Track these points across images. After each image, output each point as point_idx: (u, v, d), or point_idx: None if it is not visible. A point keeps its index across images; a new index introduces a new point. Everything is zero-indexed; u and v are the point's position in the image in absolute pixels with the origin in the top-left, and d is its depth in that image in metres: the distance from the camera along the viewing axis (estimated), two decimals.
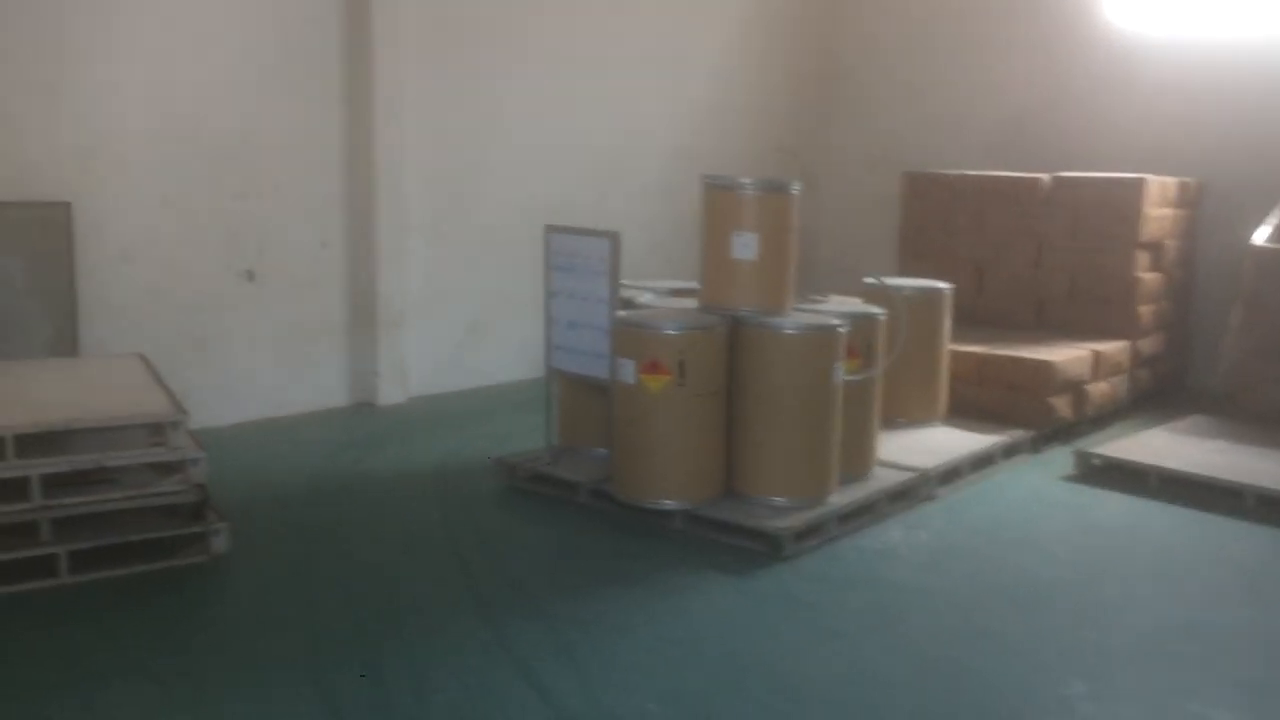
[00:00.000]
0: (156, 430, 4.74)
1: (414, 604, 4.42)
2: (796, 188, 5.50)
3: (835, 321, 5.38)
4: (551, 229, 5.89)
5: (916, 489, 5.85)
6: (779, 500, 5.27)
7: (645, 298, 6.04)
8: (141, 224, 6.43)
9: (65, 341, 6.00)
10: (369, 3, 7.09)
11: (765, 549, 5.01)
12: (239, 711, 3.57)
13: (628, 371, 5.29)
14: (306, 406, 7.22)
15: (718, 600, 4.56)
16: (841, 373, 5.37)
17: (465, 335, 8.08)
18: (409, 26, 7.33)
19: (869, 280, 6.45)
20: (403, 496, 5.74)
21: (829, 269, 9.42)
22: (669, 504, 5.28)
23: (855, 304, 6.13)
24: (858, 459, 5.70)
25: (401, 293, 7.51)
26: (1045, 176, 8.16)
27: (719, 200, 5.50)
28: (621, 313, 5.50)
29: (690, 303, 5.85)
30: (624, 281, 5.75)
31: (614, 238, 5.57)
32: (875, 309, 5.91)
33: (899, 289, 6.42)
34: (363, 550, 5.00)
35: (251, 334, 6.95)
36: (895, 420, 6.52)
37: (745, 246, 5.40)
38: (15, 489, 4.36)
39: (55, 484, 4.45)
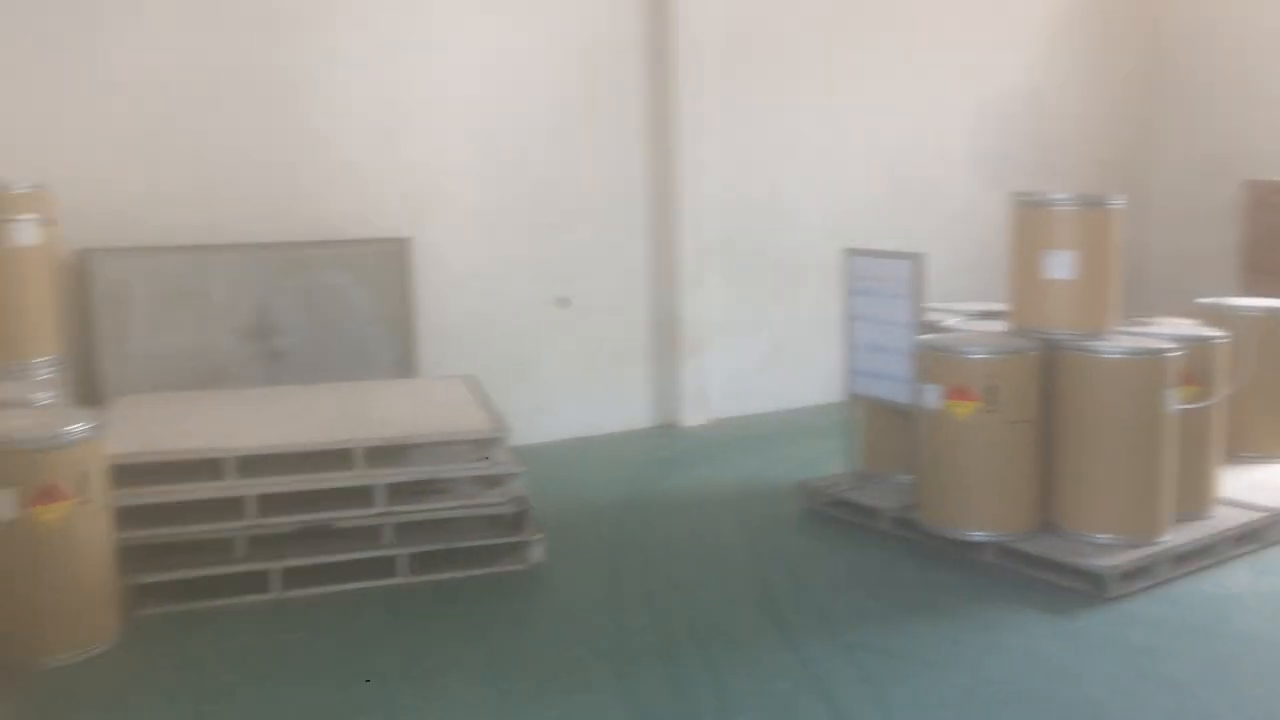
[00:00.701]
0: (481, 446, 5.09)
1: (717, 623, 4.47)
2: (1118, 201, 5.15)
3: (1164, 345, 4.97)
4: (851, 251, 5.84)
5: (1265, 531, 5.26)
6: (1102, 537, 4.91)
7: (951, 321, 5.84)
8: (469, 256, 6.97)
9: (405, 364, 6.57)
10: (672, 40, 7.34)
11: (1087, 588, 4.68)
12: (552, 714, 3.74)
13: (932, 397, 5.14)
14: (614, 427, 7.52)
15: (1036, 640, 4.30)
16: (1174, 401, 4.95)
17: (765, 359, 8.13)
18: (708, 60, 7.51)
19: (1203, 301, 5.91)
20: (706, 516, 5.84)
21: (1159, 289, 8.71)
22: (979, 535, 5.06)
23: (1189, 326, 5.64)
24: (1195, 496, 5.21)
25: (703, 317, 7.68)
26: None
27: (1031, 218, 5.24)
28: (925, 336, 5.35)
29: (999, 326, 5.60)
30: (928, 304, 5.59)
31: (917, 259, 5.45)
32: (1214, 331, 5.41)
33: (1241, 310, 5.84)
34: (668, 567, 5.13)
35: (564, 357, 7.34)
36: (1241, 454, 5.91)
37: (1060, 266, 5.12)
38: (362, 496, 4.82)
39: (396, 493, 4.88)
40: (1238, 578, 4.90)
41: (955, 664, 4.09)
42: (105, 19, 5.83)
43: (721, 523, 5.73)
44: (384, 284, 6.53)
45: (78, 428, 4.08)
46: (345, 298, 6.40)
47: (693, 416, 7.69)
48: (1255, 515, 5.27)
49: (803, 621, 4.49)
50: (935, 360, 5.16)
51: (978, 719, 3.70)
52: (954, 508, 5.13)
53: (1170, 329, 5.47)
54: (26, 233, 5.06)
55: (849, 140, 8.30)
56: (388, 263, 6.55)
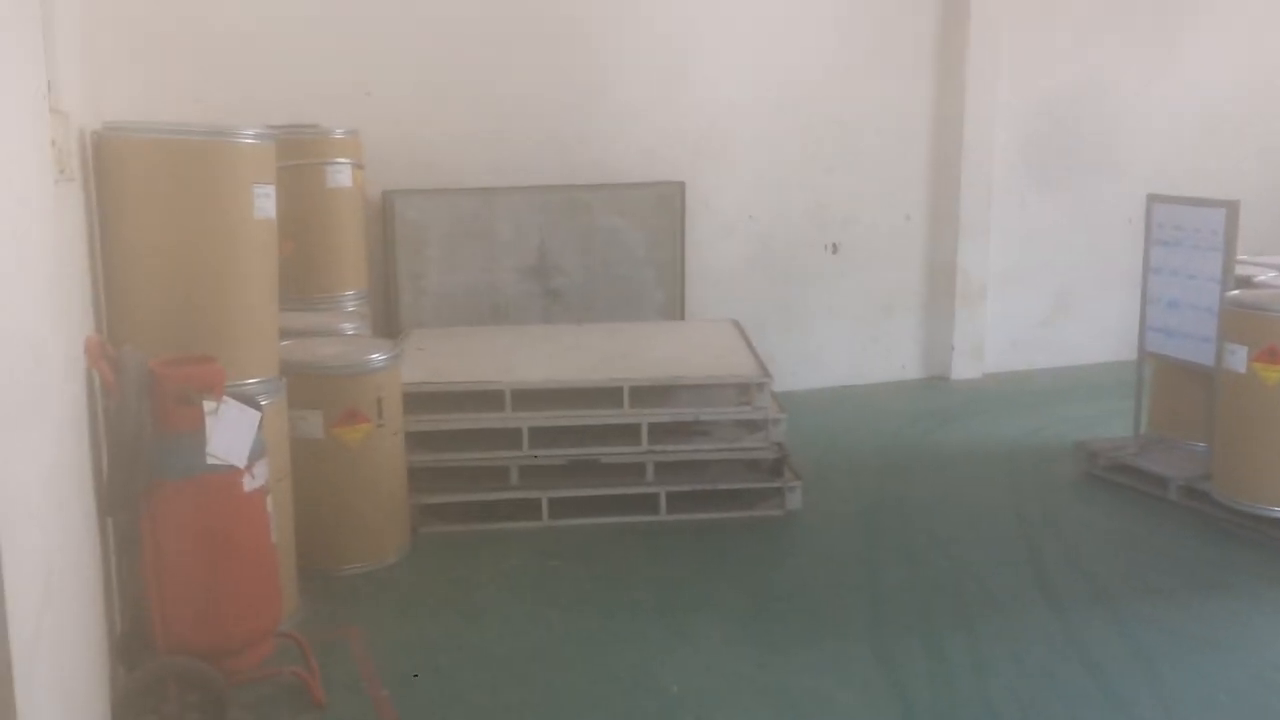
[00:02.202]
0: (744, 390, 5.15)
1: (979, 583, 4.34)
2: None
3: None
4: (1155, 198, 5.42)
5: None
6: None
7: (1266, 276, 5.29)
8: (742, 200, 6.98)
9: (674, 306, 6.72)
10: None
11: None
12: (804, 660, 3.77)
13: (1238, 359, 4.70)
14: (880, 377, 7.37)
15: None
16: None
17: (1050, 312, 7.69)
18: None
19: None
20: (972, 473, 5.64)
21: None
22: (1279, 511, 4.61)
23: None
24: None
25: (982, 266, 7.34)
26: None
27: None
28: (1234, 292, 4.89)
29: None
30: (1240, 257, 5.10)
31: (1231, 208, 4.98)
32: None
33: None
34: (929, 522, 5.01)
35: (832, 305, 7.24)
36: None
37: None
38: (628, 434, 5.00)
39: (660, 432, 5.02)
40: None
41: (1242, 647, 3.78)
42: None
43: (987, 481, 5.52)
44: (658, 227, 6.67)
45: (378, 357, 4.46)
46: (620, 240, 6.60)
47: (965, 370, 7.41)
48: None
49: (1071, 588, 4.27)
50: (1245, 319, 4.73)
51: (1260, 708, 3.41)
52: (1254, 480, 4.70)
53: None
54: (342, 175, 5.54)
55: (1161, 81, 7.64)
56: (662, 206, 6.68)
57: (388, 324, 6.18)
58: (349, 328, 5.07)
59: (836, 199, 7.17)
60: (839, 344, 7.29)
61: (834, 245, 7.21)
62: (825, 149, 7.09)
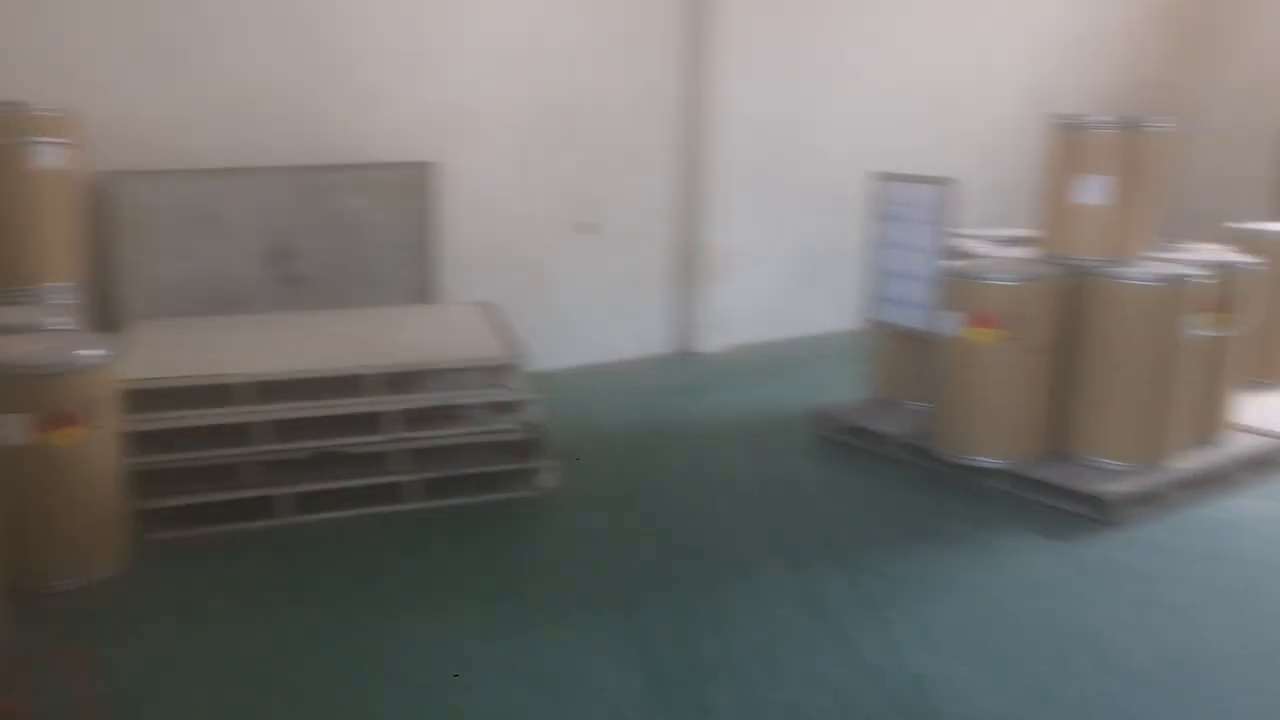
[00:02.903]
0: (495, 372, 5.11)
1: (723, 549, 4.50)
2: (1158, 125, 4.97)
3: (1189, 271, 4.84)
4: (882, 175, 5.73)
5: (1277, 457, 5.16)
6: (1112, 463, 4.86)
7: (978, 247, 5.72)
8: (493, 180, 6.90)
9: (425, 290, 6.57)
10: None
11: (1094, 514, 4.65)
12: (555, 636, 3.81)
13: (951, 324, 5.06)
14: (632, 353, 7.50)
15: (1039, 565, 4.29)
16: (1195, 328, 4.83)
17: (788, 285, 8.05)
18: None
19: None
20: (719, 443, 5.85)
21: (1203, 216, 8.45)
22: (990, 462, 5.02)
23: (1221, 252, 5.48)
24: (1209, 422, 5.12)
25: (726, 243, 7.59)
26: None
27: (1067, 141, 5.10)
28: (947, 262, 5.26)
29: (1028, 252, 5.48)
30: (959, 231, 5.48)
31: (945, 184, 5.35)
32: (1247, 259, 5.26)
33: (1273, 235, 5.66)
34: (678, 493, 5.15)
35: (584, 284, 7.31)
36: (1267, 381, 5.78)
37: (1093, 191, 4.99)
38: (375, 422, 4.86)
39: (411, 419, 4.91)
40: (1245, 504, 4.85)
41: (956, 588, 4.09)
42: None
43: (733, 449, 5.73)
44: (406, 209, 6.49)
45: (90, 353, 4.14)
46: (367, 223, 6.38)
47: (712, 343, 7.66)
48: (1270, 442, 5.17)
49: (808, 546, 4.50)
50: (957, 287, 5.08)
51: (976, 641, 3.71)
52: (968, 434, 5.09)
53: (1202, 255, 5.33)
54: (47, 155, 5.07)
55: (891, 67, 8.12)
56: (410, 188, 6.51)
57: (107, 317, 5.73)
58: (58, 322, 4.67)
59: (588, 180, 7.21)
60: (592, 322, 7.36)
61: (585, 224, 7.26)
62: (578, 132, 7.11)
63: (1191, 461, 4.93)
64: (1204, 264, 5.03)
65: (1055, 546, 4.44)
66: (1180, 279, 4.80)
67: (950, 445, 5.16)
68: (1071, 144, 5.09)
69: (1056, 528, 4.60)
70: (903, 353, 5.78)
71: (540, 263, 7.14)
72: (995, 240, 5.96)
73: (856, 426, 5.67)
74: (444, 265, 6.67)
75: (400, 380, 4.95)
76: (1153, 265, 4.99)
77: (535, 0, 6.85)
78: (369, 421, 4.86)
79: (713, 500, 5.05)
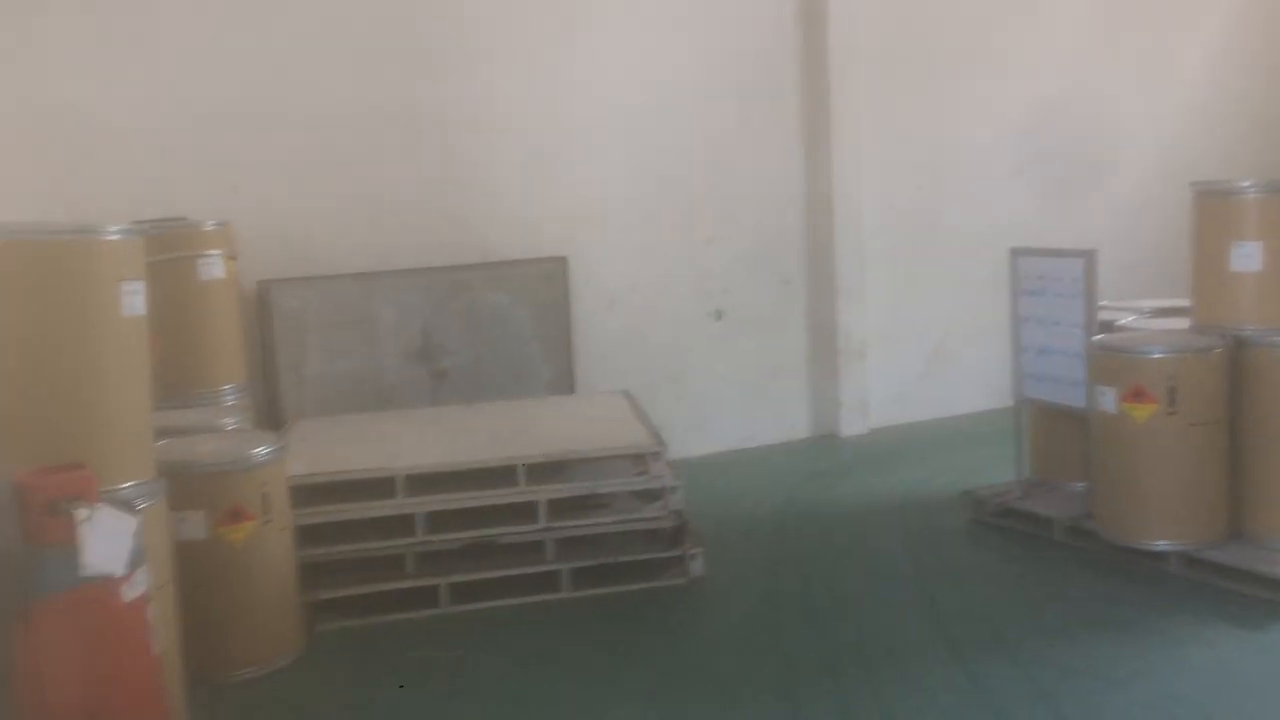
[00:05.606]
0: (639, 460, 5.13)
1: (882, 638, 4.37)
2: None
3: None
4: (1018, 251, 5.64)
5: None
6: None
7: (1126, 320, 5.56)
8: (624, 273, 7.05)
9: (563, 380, 6.70)
10: (824, 47, 7.26)
11: None
12: None
13: (1108, 400, 4.90)
14: (771, 439, 7.46)
15: (1227, 656, 4.04)
16: None
17: (927, 365, 7.93)
18: (864, 65, 7.39)
19: None
20: (868, 528, 5.72)
21: None
22: (1162, 545, 4.79)
23: None
24: None
25: (861, 325, 7.54)
26: None
27: (1213, 208, 4.95)
28: (1099, 336, 5.12)
29: (1180, 323, 5.30)
30: (1101, 303, 5.35)
31: (1089, 256, 5.23)
32: None
33: None
34: (829, 580, 5.04)
35: (719, 370, 7.33)
36: None
37: (1247, 258, 4.82)
38: (525, 512, 4.92)
39: (556, 508, 4.96)
40: None
41: (1138, 681, 3.88)
42: (286, 67, 6.17)
43: (883, 535, 5.60)
44: (542, 303, 6.67)
45: (260, 451, 4.31)
46: (505, 317, 6.57)
47: (852, 426, 7.56)
48: None
49: (971, 636, 4.34)
50: (1110, 360, 4.93)
51: None
52: (1134, 516, 4.87)
53: None
54: (214, 268, 5.41)
55: (1014, 137, 8.04)
56: (546, 282, 6.69)
57: (270, 416, 6.00)
58: (229, 422, 4.90)
59: (717, 267, 7.30)
60: (729, 408, 7.37)
61: (717, 312, 7.32)
62: (703, 221, 7.24)
63: None
64: None
65: (1244, 635, 4.18)
66: None
67: (1114, 527, 4.95)
68: (1221, 210, 4.94)
69: (1243, 615, 4.33)
70: (1056, 432, 5.61)
71: (675, 351, 7.22)
72: (1142, 312, 5.79)
73: (1011, 509, 5.50)
74: (581, 356, 6.79)
75: (546, 470, 5.00)
76: None
77: (659, 95, 7.03)
78: (518, 512, 4.92)
79: (867, 587, 4.93)
